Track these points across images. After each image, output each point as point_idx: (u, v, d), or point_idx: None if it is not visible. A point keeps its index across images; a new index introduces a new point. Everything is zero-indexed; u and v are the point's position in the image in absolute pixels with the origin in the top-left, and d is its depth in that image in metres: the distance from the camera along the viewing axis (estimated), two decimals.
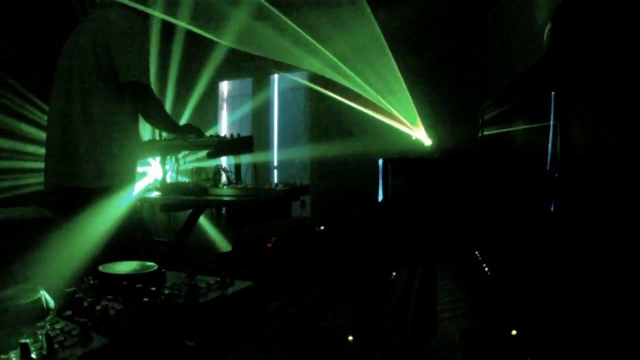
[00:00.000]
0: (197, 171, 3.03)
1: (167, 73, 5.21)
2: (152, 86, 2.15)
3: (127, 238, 2.11)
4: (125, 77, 1.99)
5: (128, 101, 2.06)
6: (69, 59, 2.09)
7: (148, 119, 2.20)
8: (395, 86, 4.56)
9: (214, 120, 5.83)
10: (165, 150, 2.70)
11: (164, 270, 1.39)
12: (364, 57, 4.70)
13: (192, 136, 2.47)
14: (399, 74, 4.55)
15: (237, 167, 2.87)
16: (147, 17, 2.23)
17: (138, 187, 2.56)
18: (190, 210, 2.77)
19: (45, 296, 1.08)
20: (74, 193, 2.03)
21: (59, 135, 2.05)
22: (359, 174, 4.93)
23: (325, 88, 5.15)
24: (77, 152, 2.00)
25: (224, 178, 2.84)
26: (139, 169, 2.66)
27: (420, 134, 4.39)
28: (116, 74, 1.99)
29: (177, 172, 2.83)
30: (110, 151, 2.04)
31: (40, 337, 0.91)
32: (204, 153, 2.61)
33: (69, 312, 1.06)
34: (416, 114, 4.47)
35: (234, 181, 2.85)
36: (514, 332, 0.88)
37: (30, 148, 3.96)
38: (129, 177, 2.16)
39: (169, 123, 2.34)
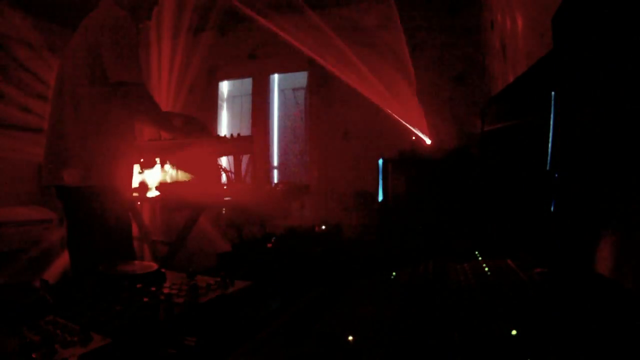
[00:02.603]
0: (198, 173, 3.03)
1: (166, 72, 5.21)
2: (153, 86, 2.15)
3: (121, 237, 2.12)
4: (114, 76, 1.99)
5: (118, 101, 2.05)
6: (64, 62, 2.12)
7: (139, 119, 2.21)
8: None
9: (214, 120, 5.82)
10: (165, 150, 2.70)
11: (164, 270, 1.39)
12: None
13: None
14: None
15: (237, 166, 2.87)
16: (135, 13, 2.23)
17: (135, 187, 2.56)
18: (190, 211, 2.78)
19: (46, 296, 1.08)
20: (65, 192, 2.07)
21: (52, 137, 2.08)
22: (359, 174, 4.93)
23: (326, 87, 5.15)
24: (67, 153, 2.02)
25: (223, 178, 2.85)
26: (140, 170, 2.66)
27: (420, 134, 4.39)
28: (106, 74, 2.00)
29: (177, 172, 2.83)
30: (100, 151, 2.05)
31: (40, 337, 0.91)
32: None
33: (69, 312, 1.06)
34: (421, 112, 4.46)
35: (234, 181, 2.85)
36: (514, 332, 0.87)
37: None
38: (120, 176, 2.16)
39: (164, 122, 2.33)
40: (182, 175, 2.83)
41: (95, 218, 2.02)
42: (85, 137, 2.02)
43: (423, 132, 4.31)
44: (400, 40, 4.49)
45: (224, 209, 3.31)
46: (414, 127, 4.41)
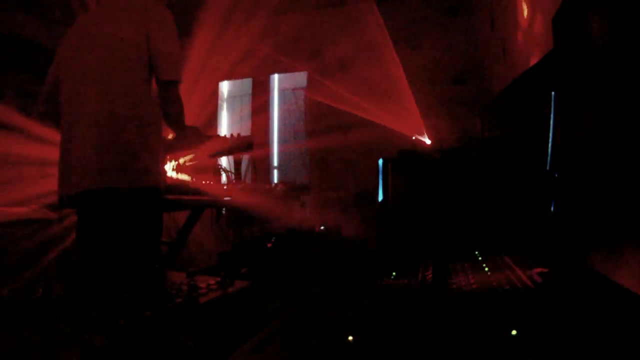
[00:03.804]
0: (197, 171, 3.04)
1: None
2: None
3: (158, 239, 2.05)
4: (166, 75, 1.91)
5: (167, 100, 1.97)
6: (93, 51, 1.92)
7: (170, 117, 2.05)
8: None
9: (214, 120, 5.82)
10: (165, 150, 2.70)
11: (164, 270, 1.39)
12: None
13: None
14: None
15: (237, 166, 2.87)
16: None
17: None
18: (190, 210, 2.78)
19: (46, 296, 1.09)
20: (107, 195, 1.87)
21: (96, 137, 1.86)
22: (359, 174, 4.93)
23: (325, 87, 5.16)
24: (125, 154, 1.86)
25: (224, 177, 2.85)
26: None
27: (420, 134, 4.39)
28: (151, 67, 1.90)
29: (177, 172, 2.84)
30: (155, 150, 1.96)
31: (40, 337, 0.91)
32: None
33: (69, 312, 1.07)
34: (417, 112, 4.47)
35: (234, 181, 2.85)
36: (514, 332, 0.87)
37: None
38: (164, 176, 2.11)
39: (184, 124, 2.25)
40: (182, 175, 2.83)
41: (143, 220, 1.92)
42: (146, 136, 1.91)
43: (423, 133, 4.32)
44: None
45: (224, 209, 3.30)
46: (408, 128, 4.41)
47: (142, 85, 1.92)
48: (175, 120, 2.06)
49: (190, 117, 5.12)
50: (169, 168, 2.76)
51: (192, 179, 2.91)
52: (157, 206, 2.00)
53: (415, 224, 3.26)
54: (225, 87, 6.06)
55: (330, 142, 5.17)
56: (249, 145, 2.71)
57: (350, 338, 0.95)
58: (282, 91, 5.79)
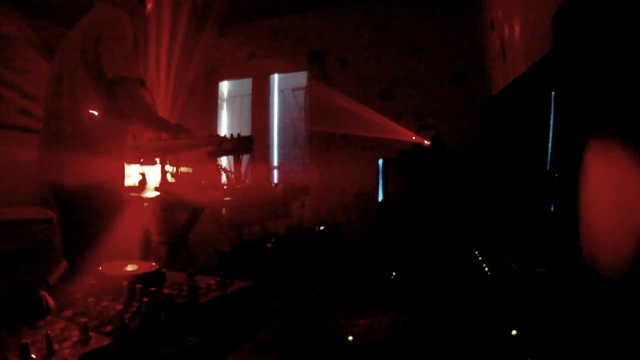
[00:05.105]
0: (197, 171, 3.03)
1: (167, 72, 5.21)
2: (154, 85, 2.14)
3: (122, 236, 2.10)
4: (112, 73, 1.98)
5: (118, 97, 2.04)
6: (60, 60, 2.09)
7: (133, 116, 2.09)
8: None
9: (214, 120, 5.82)
10: (166, 150, 2.70)
11: (164, 270, 1.39)
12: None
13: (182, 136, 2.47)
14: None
15: (237, 167, 2.86)
16: (134, 11, 2.24)
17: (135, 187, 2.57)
18: (190, 211, 2.78)
19: (46, 296, 1.08)
20: (66, 191, 2.02)
21: (51, 136, 2.05)
22: (359, 174, 4.93)
23: (325, 87, 5.16)
24: (68, 152, 1.99)
25: (224, 178, 2.84)
26: (141, 169, 2.66)
27: (419, 134, 4.39)
28: (105, 71, 1.98)
29: (177, 172, 2.83)
30: (102, 149, 2.03)
31: (40, 337, 0.91)
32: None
33: (69, 312, 1.07)
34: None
35: (234, 181, 2.85)
36: (514, 332, 0.88)
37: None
38: (120, 175, 2.18)
39: (157, 121, 2.25)
40: (182, 175, 2.83)
41: (97, 218, 2.01)
42: (86, 135, 2.00)
43: (419, 134, 4.31)
44: None
45: (224, 209, 3.30)
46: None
47: (91, 88, 2.01)
48: (139, 117, 2.13)
49: (191, 117, 5.11)
50: (170, 168, 2.76)
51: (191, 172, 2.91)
52: (108, 203, 2.05)
53: (415, 223, 3.26)
54: (225, 87, 6.05)
55: (330, 141, 5.17)
56: (249, 145, 2.70)
57: (350, 338, 0.95)
58: (282, 91, 5.79)
